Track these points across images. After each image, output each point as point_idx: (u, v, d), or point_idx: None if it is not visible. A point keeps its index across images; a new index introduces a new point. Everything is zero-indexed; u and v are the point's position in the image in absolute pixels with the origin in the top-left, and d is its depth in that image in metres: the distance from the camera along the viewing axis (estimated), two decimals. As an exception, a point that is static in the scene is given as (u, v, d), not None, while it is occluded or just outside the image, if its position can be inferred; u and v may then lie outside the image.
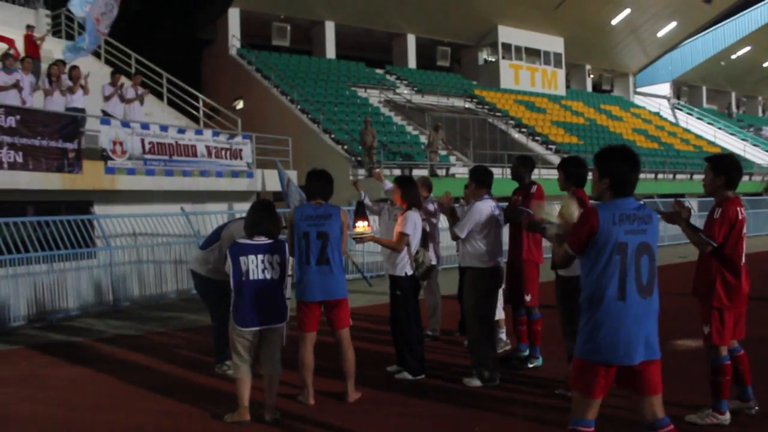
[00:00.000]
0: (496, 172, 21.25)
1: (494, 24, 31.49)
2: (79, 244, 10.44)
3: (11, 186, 10.42)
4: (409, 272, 5.86)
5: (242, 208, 14.06)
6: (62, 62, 12.50)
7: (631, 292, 3.22)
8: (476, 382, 5.66)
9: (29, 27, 15.41)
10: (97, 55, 19.60)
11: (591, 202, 4.38)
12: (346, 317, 5.39)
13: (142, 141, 12.62)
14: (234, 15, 26.26)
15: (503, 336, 7.17)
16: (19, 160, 10.52)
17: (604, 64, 38.54)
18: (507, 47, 32.32)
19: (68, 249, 10.23)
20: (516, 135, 26.72)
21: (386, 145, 20.45)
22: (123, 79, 13.80)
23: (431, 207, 7.61)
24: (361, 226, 5.81)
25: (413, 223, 5.83)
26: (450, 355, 6.92)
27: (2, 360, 7.40)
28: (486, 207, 5.73)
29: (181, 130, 13.72)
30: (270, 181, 15.43)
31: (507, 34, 32.02)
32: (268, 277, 4.92)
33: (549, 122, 28.95)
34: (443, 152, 21.34)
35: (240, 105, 25.54)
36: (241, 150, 14.89)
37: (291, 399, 5.39)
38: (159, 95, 18.70)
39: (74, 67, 12.75)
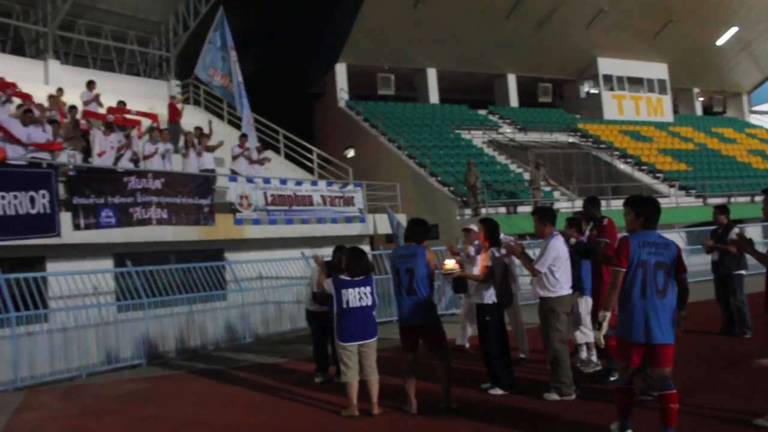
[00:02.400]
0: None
1: (593, 56, 31.81)
2: (214, 287, 12.01)
3: (159, 239, 12.16)
4: (495, 300, 6.73)
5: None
6: (200, 129, 14.45)
7: (651, 293, 4.87)
8: (554, 397, 6.43)
9: (172, 97, 17.62)
10: (221, 117, 21.85)
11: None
12: (438, 341, 6.36)
13: (265, 194, 14.16)
14: (341, 70, 28.14)
15: (594, 358, 7.81)
16: (165, 216, 12.25)
17: (713, 86, 37.62)
18: (608, 78, 32.46)
19: (205, 292, 11.82)
20: (621, 166, 26.75)
21: (490, 184, 21.27)
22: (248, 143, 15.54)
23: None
24: (450, 263, 6.73)
25: (495, 258, 6.73)
26: (536, 372, 7.71)
27: (168, 382, 8.86)
28: (559, 243, 6.55)
29: (299, 183, 15.21)
30: (381, 224, 16.64)
31: (607, 65, 32.21)
32: (363, 304, 6.27)
33: (656, 150, 28.73)
34: (547, 188, 21.87)
35: (351, 153, 27.17)
36: (353, 197, 16.21)
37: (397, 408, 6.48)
38: (276, 149, 20.55)
39: (203, 135, 14.57)
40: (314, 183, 15.71)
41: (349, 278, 6.33)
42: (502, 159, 25.05)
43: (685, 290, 5.06)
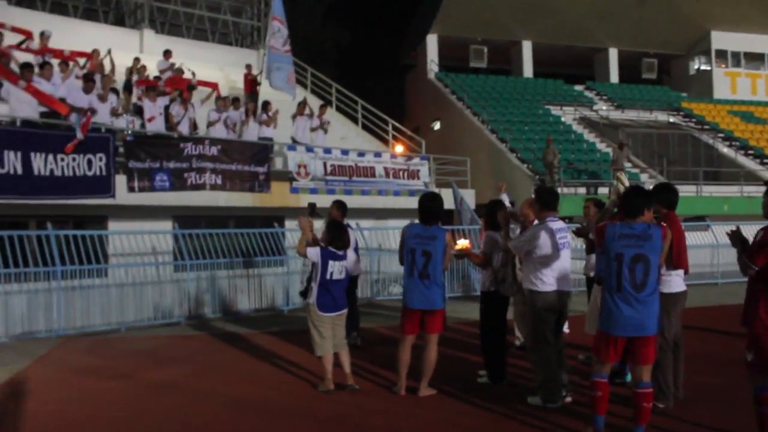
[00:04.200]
0: (690, 189, 20.52)
1: (707, 30, 29.58)
2: (271, 253, 12.25)
3: (212, 203, 12.50)
4: (492, 288, 6.38)
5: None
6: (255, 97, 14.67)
7: (626, 287, 4.67)
8: (537, 401, 5.79)
9: (248, 66, 17.95)
10: (303, 84, 22.06)
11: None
12: (439, 324, 6.11)
13: (324, 164, 14.21)
14: (432, 41, 27.69)
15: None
16: (219, 182, 12.56)
17: None
18: (722, 54, 30.11)
19: (261, 257, 12.09)
20: (725, 149, 24.86)
21: (572, 163, 20.38)
22: (308, 109, 15.52)
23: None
24: (462, 243, 6.36)
25: (492, 242, 6.36)
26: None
27: (189, 342, 9.13)
28: (545, 230, 5.75)
29: (361, 153, 15.14)
30: (448, 199, 16.30)
31: (722, 39, 29.87)
32: (342, 277, 6.27)
33: (768, 134, 26.51)
34: (634, 170, 20.71)
35: (437, 126, 26.85)
36: (418, 170, 15.98)
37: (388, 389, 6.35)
38: (354, 120, 20.58)
39: (267, 102, 14.75)
40: (377, 154, 15.58)
41: (337, 251, 6.26)
42: (591, 137, 23.91)
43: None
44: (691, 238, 15.85)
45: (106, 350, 8.86)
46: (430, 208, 6.13)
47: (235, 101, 14.21)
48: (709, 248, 16.02)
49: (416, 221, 6.27)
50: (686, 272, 5.77)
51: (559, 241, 5.76)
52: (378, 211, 15.15)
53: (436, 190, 16.18)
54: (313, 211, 9.23)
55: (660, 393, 5.52)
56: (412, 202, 15.60)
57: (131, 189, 11.49)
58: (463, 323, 9.95)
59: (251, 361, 8.01)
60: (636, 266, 4.65)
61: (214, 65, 20.03)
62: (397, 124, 19.76)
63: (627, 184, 5.81)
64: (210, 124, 13.35)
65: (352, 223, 13.72)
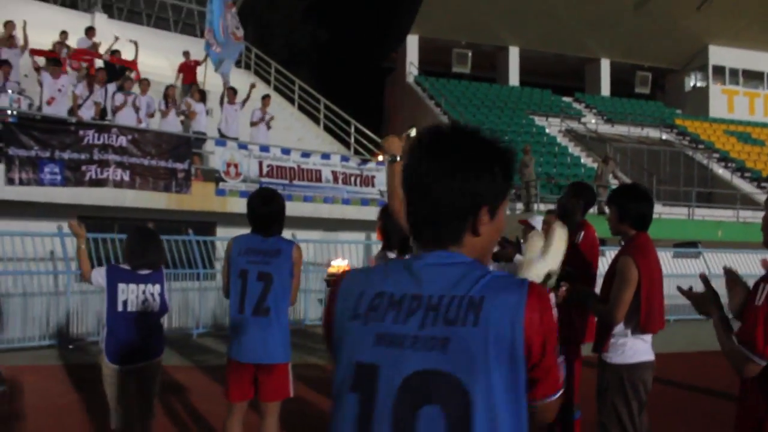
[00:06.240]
0: (682, 212, 18.80)
1: (704, 44, 27.92)
2: (180, 265, 10.38)
3: (116, 203, 10.58)
4: None
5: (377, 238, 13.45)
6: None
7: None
8: None
9: (185, 53, 16.11)
10: (267, 81, 20.25)
11: None
12: (282, 388, 4.03)
13: (260, 164, 12.31)
14: (412, 42, 25.97)
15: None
16: (126, 178, 10.66)
17: None
18: (719, 70, 28.44)
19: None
20: (720, 170, 23.11)
21: (552, 177, 18.59)
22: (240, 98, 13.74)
23: None
24: (337, 266, 4.53)
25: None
26: None
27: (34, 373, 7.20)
28: None
29: (306, 154, 13.26)
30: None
31: (720, 54, 28.20)
32: (148, 308, 4.21)
33: (766, 156, 24.75)
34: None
35: (413, 133, 25.06)
36: (373, 176, 14.09)
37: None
38: (316, 120, 18.77)
39: (201, 91, 12.92)
40: (325, 156, 13.68)
41: (129, 270, 4.22)
42: (576, 151, 22.15)
43: None
44: (681, 266, 14.08)
45: None
46: (263, 213, 3.99)
47: (143, 82, 12.19)
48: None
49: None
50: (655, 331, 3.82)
51: None
52: (326, 222, 13.29)
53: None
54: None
55: None
56: (364, 213, 13.84)
57: (10, 181, 9.58)
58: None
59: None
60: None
61: (172, 55, 18.22)
62: (360, 126, 17.88)
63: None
64: (117, 109, 11.39)
65: (289, 234, 12.00)
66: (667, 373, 6.88)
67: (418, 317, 1.34)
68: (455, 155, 1.43)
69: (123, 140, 10.59)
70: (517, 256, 5.27)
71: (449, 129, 1.50)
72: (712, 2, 25.36)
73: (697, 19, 26.32)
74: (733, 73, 28.69)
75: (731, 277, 2.63)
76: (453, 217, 1.42)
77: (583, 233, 4.67)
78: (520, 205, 17.00)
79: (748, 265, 13.72)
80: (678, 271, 13.19)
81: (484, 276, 1.35)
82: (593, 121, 25.24)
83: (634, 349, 3.67)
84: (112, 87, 11.67)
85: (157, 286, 4.27)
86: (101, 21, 19.40)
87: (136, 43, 13.91)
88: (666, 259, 15.58)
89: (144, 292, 4.19)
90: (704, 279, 2.71)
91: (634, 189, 4.05)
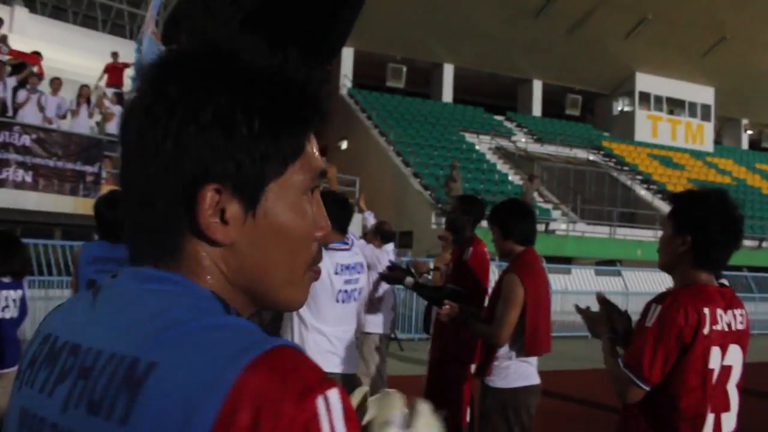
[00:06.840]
0: (604, 231, 19.25)
1: (632, 71, 28.79)
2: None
3: (16, 205, 10.04)
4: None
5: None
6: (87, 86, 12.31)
7: None
8: None
9: (113, 54, 15.61)
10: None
11: None
12: None
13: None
14: (347, 55, 25.88)
15: None
16: (28, 179, 10.15)
17: (766, 119, 33.97)
18: (645, 96, 29.38)
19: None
20: (642, 192, 23.80)
21: (479, 193, 18.70)
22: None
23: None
24: None
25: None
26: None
27: None
28: None
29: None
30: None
31: (646, 82, 29.13)
32: (7, 316, 3.94)
33: (685, 180, 25.60)
34: (545, 206, 19.21)
35: (345, 146, 24.95)
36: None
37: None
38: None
39: (120, 93, 12.50)
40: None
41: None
42: (505, 168, 22.42)
43: None
44: (602, 283, 14.34)
45: None
46: (109, 218, 3.60)
47: (55, 81, 11.68)
48: (621, 295, 14.43)
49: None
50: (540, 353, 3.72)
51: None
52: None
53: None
54: None
55: None
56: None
57: None
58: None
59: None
60: None
61: (97, 56, 17.65)
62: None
63: None
64: (19, 106, 10.84)
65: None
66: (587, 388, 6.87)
67: (66, 387, 0.72)
68: (164, 94, 0.73)
69: (26, 139, 10.10)
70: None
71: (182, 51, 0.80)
72: (641, 30, 26.23)
73: (625, 47, 27.14)
74: (658, 100, 29.67)
75: (604, 305, 2.54)
76: (150, 204, 0.76)
77: (471, 249, 4.57)
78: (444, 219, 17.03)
79: (664, 284, 14.05)
80: (599, 288, 13.37)
81: (182, 322, 0.68)
82: (523, 139, 25.65)
83: (519, 372, 3.54)
84: (11, 81, 11.12)
85: (12, 293, 3.97)
86: (22, 15, 18.72)
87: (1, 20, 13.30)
88: (588, 276, 15.89)
89: (6, 299, 3.93)
90: (600, 299, 2.58)
91: (515, 205, 4.01)
